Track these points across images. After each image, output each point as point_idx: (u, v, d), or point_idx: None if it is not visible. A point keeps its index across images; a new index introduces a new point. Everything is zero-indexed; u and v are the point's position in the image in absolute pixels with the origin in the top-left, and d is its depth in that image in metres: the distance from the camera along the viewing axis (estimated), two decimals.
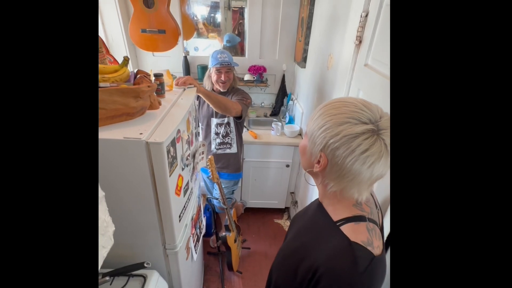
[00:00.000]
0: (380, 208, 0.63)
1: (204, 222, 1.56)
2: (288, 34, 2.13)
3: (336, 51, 1.37)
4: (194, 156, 1.17)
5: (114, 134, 0.76)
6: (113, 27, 1.88)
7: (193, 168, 1.18)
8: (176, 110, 0.99)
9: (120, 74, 0.84)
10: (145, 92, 0.82)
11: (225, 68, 1.49)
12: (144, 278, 0.97)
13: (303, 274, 0.52)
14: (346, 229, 0.52)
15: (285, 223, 2.29)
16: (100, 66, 0.81)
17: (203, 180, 1.93)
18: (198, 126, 1.67)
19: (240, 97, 1.54)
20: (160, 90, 1.03)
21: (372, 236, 0.52)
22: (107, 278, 0.85)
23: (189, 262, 1.24)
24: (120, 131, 0.78)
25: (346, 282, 0.47)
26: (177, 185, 0.94)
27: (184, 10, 2.01)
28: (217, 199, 1.72)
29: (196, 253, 1.32)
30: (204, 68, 2.15)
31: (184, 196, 1.04)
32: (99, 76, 0.79)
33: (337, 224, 0.53)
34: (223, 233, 1.69)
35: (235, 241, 1.78)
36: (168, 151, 0.81)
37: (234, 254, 1.77)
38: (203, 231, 1.69)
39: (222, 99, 1.41)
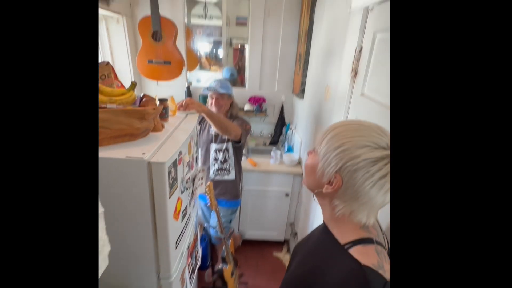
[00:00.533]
0: (384, 233, 0.61)
1: (200, 253, 1.48)
2: (286, 68, 2.26)
3: (333, 82, 1.44)
4: (193, 181, 1.16)
5: (117, 153, 0.76)
6: (121, 59, 1.99)
7: (192, 193, 1.16)
8: (179, 133, 1.01)
9: (127, 97, 0.87)
10: (150, 114, 0.84)
11: (216, 94, 1.56)
12: None
13: None
14: (354, 252, 0.50)
15: (284, 257, 2.18)
16: (108, 89, 0.85)
17: (200, 208, 1.88)
18: (197, 152, 1.68)
19: (240, 123, 1.58)
20: (164, 114, 1.06)
21: (382, 259, 0.50)
22: None
23: None
24: (122, 150, 0.78)
25: None
26: (176, 209, 0.92)
27: (189, 44, 2.15)
28: (214, 227, 1.66)
29: (191, 285, 1.24)
30: (205, 98, 2.23)
31: (182, 221, 1.01)
32: (107, 98, 0.82)
33: (345, 247, 0.52)
34: (220, 266, 1.60)
35: (232, 274, 1.68)
36: (169, 172, 0.81)
37: None
38: (199, 262, 1.61)
39: (224, 119, 1.45)
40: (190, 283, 1.24)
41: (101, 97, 0.81)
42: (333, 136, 0.50)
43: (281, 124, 2.35)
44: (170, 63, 1.81)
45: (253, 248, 2.23)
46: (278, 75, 2.28)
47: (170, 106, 1.18)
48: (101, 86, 0.83)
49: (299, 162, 2.08)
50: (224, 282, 1.61)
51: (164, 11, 1.76)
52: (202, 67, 2.63)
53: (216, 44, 2.69)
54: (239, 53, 2.59)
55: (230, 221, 1.83)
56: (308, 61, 1.93)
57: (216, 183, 1.70)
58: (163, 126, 1.00)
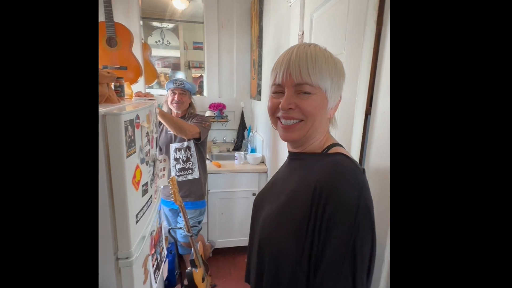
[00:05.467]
0: None
1: (165, 251, 1.37)
2: (243, 76, 2.40)
3: None
4: (154, 162, 1.12)
5: None
6: None
7: (154, 174, 1.11)
8: (136, 103, 1.00)
9: None
10: (104, 77, 0.84)
11: (179, 89, 1.59)
12: None
13: (306, 206, 0.47)
14: (333, 150, 0.52)
15: None
16: None
17: (164, 214, 1.77)
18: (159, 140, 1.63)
19: (199, 120, 1.59)
20: (119, 92, 1.05)
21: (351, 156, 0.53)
22: None
23: None
24: None
25: (354, 179, 0.46)
26: (135, 176, 0.87)
27: (147, 55, 2.19)
28: (181, 228, 1.56)
29: (156, 282, 1.12)
30: None
31: (142, 196, 0.95)
32: None
33: (323, 152, 0.53)
34: (188, 269, 1.48)
35: (202, 280, 1.55)
36: (126, 129, 0.79)
37: None
38: (166, 273, 1.47)
39: (178, 119, 1.45)
40: (155, 279, 1.13)
41: None
42: (324, 64, 0.49)
43: (243, 129, 2.42)
44: (126, 69, 1.81)
45: (224, 257, 2.10)
46: (235, 83, 2.40)
47: (126, 91, 1.18)
48: None
49: (263, 161, 2.12)
50: (194, 287, 1.47)
51: (119, 20, 1.80)
52: (161, 86, 2.66)
53: (176, 66, 2.78)
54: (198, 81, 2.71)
55: (199, 222, 1.74)
56: (261, 65, 2.09)
57: (179, 185, 1.64)
58: (119, 100, 0.98)
